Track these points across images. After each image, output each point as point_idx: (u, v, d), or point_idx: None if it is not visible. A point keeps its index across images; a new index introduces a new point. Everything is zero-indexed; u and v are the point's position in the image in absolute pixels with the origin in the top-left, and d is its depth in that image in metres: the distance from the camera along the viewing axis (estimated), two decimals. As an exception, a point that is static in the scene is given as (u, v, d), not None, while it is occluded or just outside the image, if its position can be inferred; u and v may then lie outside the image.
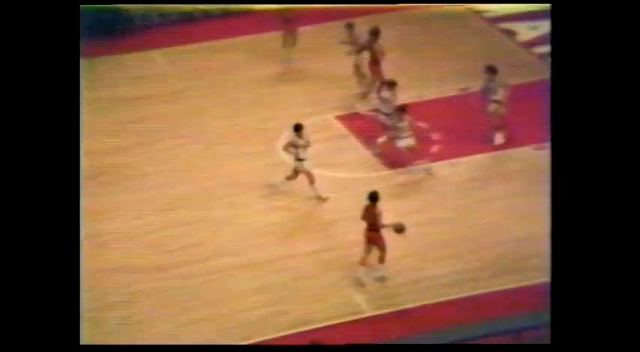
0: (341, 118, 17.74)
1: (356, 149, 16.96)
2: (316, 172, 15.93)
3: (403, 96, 17.18)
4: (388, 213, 15.19)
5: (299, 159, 15.44)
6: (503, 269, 14.11)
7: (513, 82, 18.01)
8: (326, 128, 17.51)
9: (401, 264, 14.26)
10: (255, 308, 13.64)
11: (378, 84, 17.30)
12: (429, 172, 16.05)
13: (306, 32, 19.57)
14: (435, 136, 17.11)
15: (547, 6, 20.46)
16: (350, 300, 13.77)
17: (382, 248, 13.81)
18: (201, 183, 16.22)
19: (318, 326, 13.31)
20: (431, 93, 18.27)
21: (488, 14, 21.08)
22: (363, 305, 13.72)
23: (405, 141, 16.01)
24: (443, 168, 16.32)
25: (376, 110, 17.03)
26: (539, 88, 17.74)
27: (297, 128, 15.42)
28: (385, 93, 16.74)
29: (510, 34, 20.33)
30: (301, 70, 19.24)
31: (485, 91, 16.59)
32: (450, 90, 18.29)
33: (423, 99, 17.98)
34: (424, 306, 13.56)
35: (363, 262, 13.93)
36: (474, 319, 13.13)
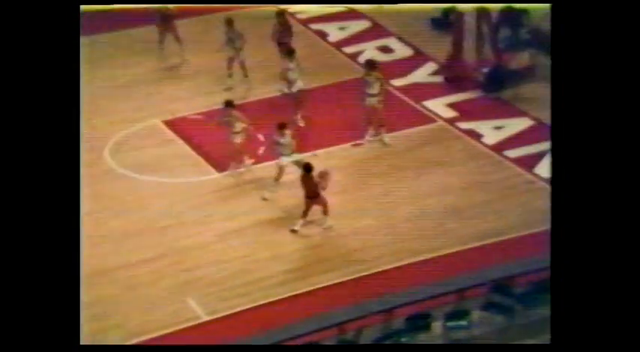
0: (168, 123, 16.38)
1: (184, 153, 15.68)
2: (145, 179, 14.60)
3: (227, 97, 16.10)
4: (217, 217, 14.25)
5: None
6: (332, 265, 13.37)
7: (327, 82, 17.42)
8: (153, 133, 16.12)
9: (231, 267, 13.29)
10: (87, 322, 12.16)
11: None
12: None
13: (132, 34, 18.00)
14: (261, 137, 16.09)
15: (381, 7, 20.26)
16: (185, 307, 12.63)
17: (323, 203, 13.92)
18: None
19: (154, 335, 12.13)
20: (254, 94, 17.16)
21: (301, 16, 20.22)
22: (198, 310, 12.61)
23: (236, 137, 14.98)
24: (268, 170, 15.34)
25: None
26: (350, 86, 17.28)
27: (281, 127, 14.51)
28: (289, 64, 16.12)
29: (322, 34, 19.57)
30: (126, 74, 17.64)
31: (363, 85, 15.71)
32: (272, 90, 17.28)
33: (246, 101, 16.89)
34: (256, 307, 12.62)
35: (303, 216, 13.98)
36: (304, 315, 12.33)
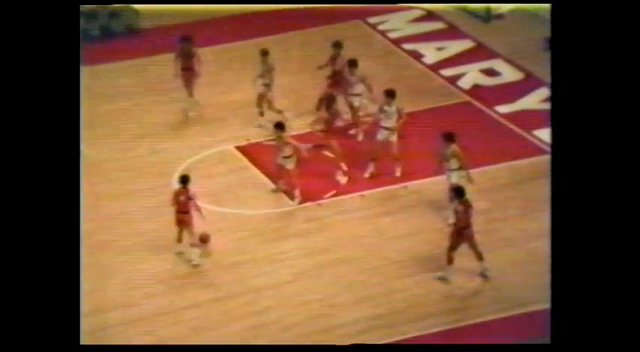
0: (241, 149, 16.81)
1: (258, 182, 16.04)
2: (215, 210, 15.04)
3: (303, 124, 16.49)
4: (295, 253, 14.48)
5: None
6: (423, 312, 13.40)
7: (422, 107, 17.62)
8: (225, 160, 16.56)
9: (307, 310, 13.42)
10: (151, 367, 12.57)
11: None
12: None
13: (202, 53, 18.66)
14: (345, 167, 16.35)
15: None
16: None
17: (190, 229, 14.25)
18: (85, 226, 14.92)
19: (222, 384, 12.39)
20: (337, 120, 17.43)
21: (392, 34, 20.57)
22: (270, 357, 12.83)
23: (287, 162, 15.33)
24: (353, 202, 15.59)
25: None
26: (448, 112, 17.42)
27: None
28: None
29: (417, 55, 19.84)
30: (196, 95, 18.18)
31: (378, 116, 15.81)
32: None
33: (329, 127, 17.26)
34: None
35: (179, 241, 14.41)
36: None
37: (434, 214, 15.19)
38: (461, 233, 13.64)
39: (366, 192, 15.74)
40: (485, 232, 14.71)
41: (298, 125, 16.87)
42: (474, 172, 15.90)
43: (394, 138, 15.73)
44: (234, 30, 20.34)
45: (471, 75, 18.97)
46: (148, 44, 19.89)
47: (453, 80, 18.80)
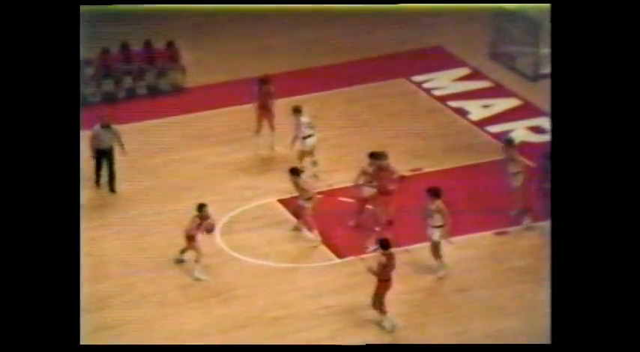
0: (284, 202, 16.62)
1: (300, 236, 15.75)
2: (254, 263, 14.94)
3: (350, 177, 16.30)
4: (336, 308, 14.13)
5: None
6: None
7: (466, 163, 17.37)
8: (267, 213, 16.39)
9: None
10: None
11: None
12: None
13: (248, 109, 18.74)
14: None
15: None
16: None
17: (197, 249, 14.82)
18: (126, 279, 14.80)
19: None
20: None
21: (438, 92, 20.45)
22: None
23: (305, 203, 15.43)
24: (397, 257, 15.17)
25: None
26: (494, 168, 17.10)
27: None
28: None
29: (462, 112, 19.66)
30: (239, 150, 18.16)
31: (505, 164, 15.83)
32: (402, 171, 17.37)
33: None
34: None
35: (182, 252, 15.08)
36: None
37: (477, 271, 14.84)
38: (381, 285, 13.41)
39: (410, 247, 15.44)
40: (530, 290, 14.20)
41: (340, 178, 16.70)
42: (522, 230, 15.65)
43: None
44: (278, 88, 20.40)
45: (518, 132, 18.69)
46: (193, 101, 20.01)
47: (499, 137, 18.56)
